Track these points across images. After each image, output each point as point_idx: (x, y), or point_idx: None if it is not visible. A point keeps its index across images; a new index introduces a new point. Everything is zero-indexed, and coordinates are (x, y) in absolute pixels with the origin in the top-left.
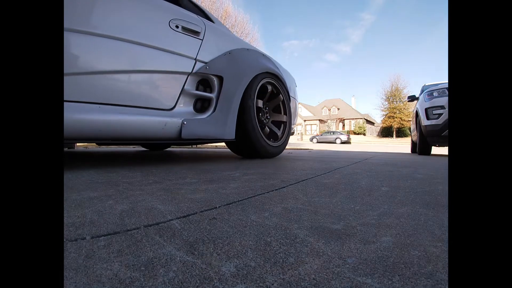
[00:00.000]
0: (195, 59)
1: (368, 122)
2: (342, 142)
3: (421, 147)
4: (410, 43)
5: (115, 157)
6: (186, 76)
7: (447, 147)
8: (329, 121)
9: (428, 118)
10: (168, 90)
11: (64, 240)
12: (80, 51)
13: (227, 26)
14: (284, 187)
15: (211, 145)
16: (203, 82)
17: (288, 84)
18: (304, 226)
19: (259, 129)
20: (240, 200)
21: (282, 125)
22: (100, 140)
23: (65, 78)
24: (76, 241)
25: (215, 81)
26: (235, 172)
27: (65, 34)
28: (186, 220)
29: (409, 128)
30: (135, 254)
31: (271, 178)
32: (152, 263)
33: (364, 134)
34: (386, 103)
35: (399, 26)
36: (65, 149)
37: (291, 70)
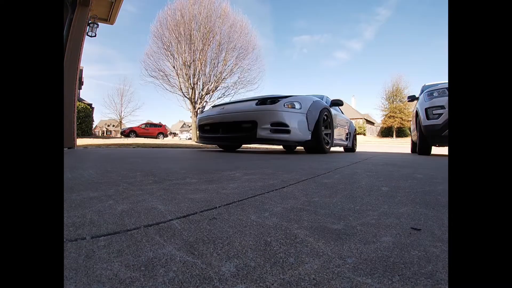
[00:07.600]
0: (348, 129)
1: (368, 122)
2: None
3: (421, 147)
4: (422, 41)
5: (115, 157)
6: (347, 133)
7: (447, 147)
8: None
9: (428, 118)
10: (345, 136)
11: (64, 240)
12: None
13: (226, 26)
14: (284, 187)
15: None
16: (347, 134)
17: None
18: (304, 226)
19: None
20: (240, 200)
21: (348, 134)
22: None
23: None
24: (76, 241)
25: (350, 133)
26: (235, 172)
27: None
28: (186, 220)
29: (409, 128)
30: (135, 254)
31: (271, 178)
32: (152, 263)
33: (364, 134)
34: (387, 103)
35: (415, 22)
36: (65, 149)
37: (297, 69)
